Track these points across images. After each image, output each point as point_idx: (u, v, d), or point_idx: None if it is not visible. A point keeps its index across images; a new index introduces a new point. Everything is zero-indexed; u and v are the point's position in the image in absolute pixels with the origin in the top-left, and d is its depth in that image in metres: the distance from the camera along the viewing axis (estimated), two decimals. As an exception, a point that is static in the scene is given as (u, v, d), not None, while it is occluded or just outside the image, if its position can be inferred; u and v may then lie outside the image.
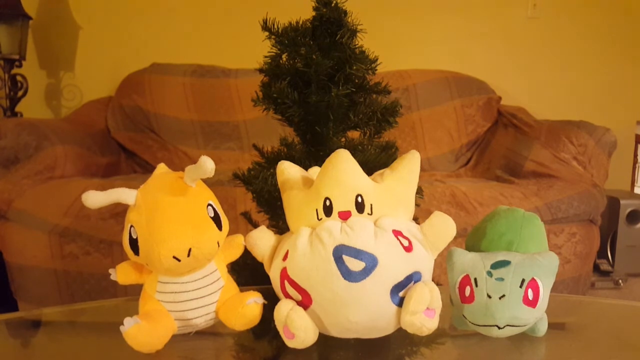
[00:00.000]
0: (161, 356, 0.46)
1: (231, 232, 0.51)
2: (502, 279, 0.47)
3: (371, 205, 0.46)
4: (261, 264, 0.51)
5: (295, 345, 0.45)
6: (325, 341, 0.47)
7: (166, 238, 0.43)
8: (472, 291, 0.47)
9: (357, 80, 0.74)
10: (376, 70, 0.74)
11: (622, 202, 1.80)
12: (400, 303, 0.45)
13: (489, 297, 0.46)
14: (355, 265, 0.43)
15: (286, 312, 0.45)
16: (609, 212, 1.80)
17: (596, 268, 1.79)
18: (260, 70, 0.76)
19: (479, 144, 2.01)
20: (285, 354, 0.50)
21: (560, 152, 1.59)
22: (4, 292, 1.43)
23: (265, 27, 0.73)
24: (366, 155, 0.73)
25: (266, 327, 0.49)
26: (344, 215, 0.46)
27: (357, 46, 0.73)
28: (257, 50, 0.79)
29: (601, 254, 1.81)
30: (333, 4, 0.72)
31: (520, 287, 0.46)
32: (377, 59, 0.74)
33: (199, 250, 0.45)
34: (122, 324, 0.43)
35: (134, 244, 0.44)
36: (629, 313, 0.67)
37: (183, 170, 0.46)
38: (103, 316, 0.65)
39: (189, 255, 0.44)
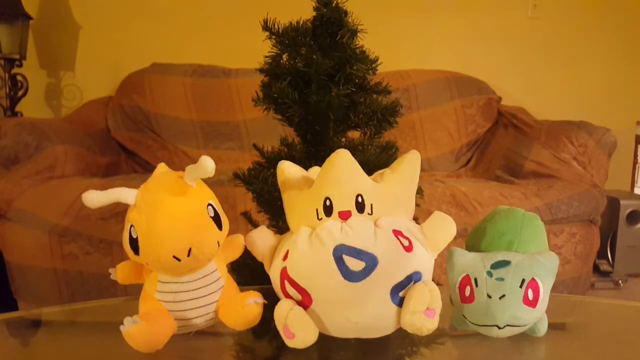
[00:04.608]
0: (161, 356, 0.46)
1: (231, 232, 0.51)
2: (502, 279, 0.47)
3: (371, 205, 0.46)
4: (261, 264, 0.51)
5: (295, 345, 0.45)
6: (325, 341, 0.47)
7: (166, 238, 0.43)
8: (472, 291, 0.47)
9: (357, 80, 0.74)
10: (376, 70, 0.74)
11: (622, 202, 1.80)
12: (400, 303, 0.45)
13: (489, 297, 0.46)
14: (355, 265, 0.43)
15: (286, 312, 0.45)
16: (609, 212, 1.80)
17: (596, 268, 1.79)
18: (261, 70, 0.76)
19: (479, 144, 2.01)
20: (285, 354, 0.50)
21: (560, 153, 1.59)
22: (4, 292, 1.43)
23: (265, 27, 0.73)
24: (366, 155, 0.73)
25: (266, 327, 0.49)
26: (344, 215, 0.46)
27: (357, 46, 0.73)
28: (258, 50, 0.79)
29: (601, 254, 1.81)
30: (333, 4, 0.72)
31: (520, 287, 0.46)
32: (377, 59, 0.74)
33: (199, 250, 0.45)
34: (122, 323, 0.43)
35: (134, 243, 0.44)
36: (629, 313, 0.67)
37: (183, 170, 0.46)
38: (103, 316, 0.65)
39: (189, 255, 0.44)
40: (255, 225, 0.85)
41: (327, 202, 0.46)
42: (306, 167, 0.53)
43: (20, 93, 1.96)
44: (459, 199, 1.40)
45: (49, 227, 1.33)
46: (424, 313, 0.44)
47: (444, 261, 0.51)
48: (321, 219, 0.47)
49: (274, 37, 0.73)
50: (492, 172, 1.79)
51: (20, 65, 1.96)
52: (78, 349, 0.55)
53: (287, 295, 0.47)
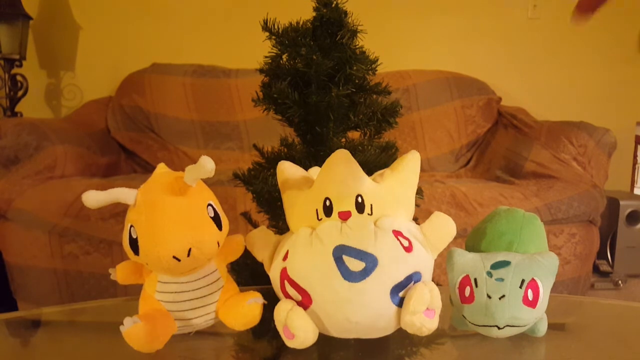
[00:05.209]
0: (161, 356, 0.46)
1: (231, 232, 0.51)
2: (502, 280, 0.47)
3: (371, 205, 0.46)
4: (261, 264, 0.51)
5: (295, 345, 0.45)
6: (325, 341, 0.47)
7: (166, 238, 0.43)
8: (472, 291, 0.47)
9: (357, 81, 0.74)
10: (376, 70, 0.74)
11: (621, 202, 1.80)
12: (400, 303, 0.45)
13: (489, 297, 0.46)
14: (355, 265, 0.43)
15: (286, 312, 0.45)
16: (609, 212, 1.80)
17: (596, 269, 1.79)
18: (261, 71, 0.76)
19: (479, 145, 2.01)
20: (285, 354, 0.50)
21: (560, 153, 1.59)
22: (4, 292, 1.43)
23: (265, 27, 0.73)
24: (366, 155, 0.73)
25: (266, 327, 0.49)
26: (344, 216, 0.46)
27: (357, 46, 0.73)
28: (258, 51, 0.79)
29: (601, 254, 1.82)
30: (333, 5, 0.72)
31: (520, 287, 0.46)
32: (377, 60, 0.74)
33: (199, 250, 0.45)
34: (122, 323, 0.43)
35: (134, 243, 0.44)
36: (629, 314, 0.67)
37: (183, 170, 0.46)
38: (103, 316, 0.65)
39: (189, 255, 0.44)
40: (255, 225, 0.85)
41: (327, 203, 0.46)
42: (306, 168, 0.53)
43: (20, 93, 1.97)
44: (459, 199, 1.40)
45: (49, 227, 1.33)
46: (423, 313, 0.44)
47: (443, 261, 0.51)
48: (321, 219, 0.47)
49: (274, 37, 0.73)
50: (492, 173, 1.79)
51: (20, 65, 1.96)
52: (78, 349, 0.55)
53: (287, 296, 0.47)
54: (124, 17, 2.16)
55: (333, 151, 0.47)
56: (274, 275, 0.48)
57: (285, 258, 0.47)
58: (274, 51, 0.74)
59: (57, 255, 1.36)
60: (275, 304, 0.46)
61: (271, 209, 0.78)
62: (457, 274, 0.49)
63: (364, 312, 0.44)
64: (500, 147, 1.87)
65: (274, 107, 0.74)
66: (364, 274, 0.43)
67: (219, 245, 0.47)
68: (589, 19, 0.39)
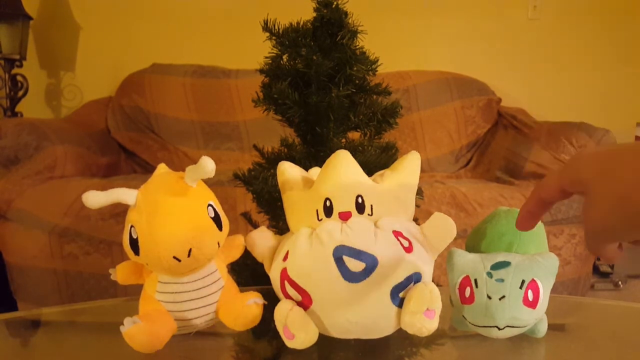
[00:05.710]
0: (161, 356, 0.46)
1: (231, 233, 0.51)
2: (502, 280, 0.47)
3: (371, 205, 0.46)
4: (261, 264, 0.51)
5: (295, 345, 0.45)
6: (325, 342, 0.47)
7: (166, 238, 0.43)
8: (472, 292, 0.47)
9: (357, 81, 0.74)
10: (376, 71, 0.74)
11: (621, 203, 1.80)
12: (400, 304, 0.45)
13: (489, 298, 0.46)
14: (355, 265, 0.43)
15: (286, 312, 0.45)
16: (609, 213, 1.80)
17: (596, 269, 1.79)
18: (261, 71, 0.76)
19: (479, 145, 2.01)
20: (285, 354, 0.50)
21: (560, 154, 1.59)
22: (4, 292, 1.43)
23: (265, 27, 0.73)
24: (366, 156, 0.73)
25: (266, 327, 0.49)
26: (344, 216, 0.46)
27: (357, 47, 0.74)
28: (258, 51, 0.79)
29: (601, 255, 1.81)
30: (334, 5, 0.72)
31: (520, 288, 0.46)
32: (377, 60, 0.74)
33: (199, 250, 0.45)
34: (122, 324, 0.43)
35: (134, 244, 0.44)
36: (629, 314, 0.67)
37: (183, 170, 0.46)
38: (103, 316, 0.65)
39: (189, 255, 0.44)
40: (255, 225, 0.85)
41: (327, 203, 0.46)
42: (306, 168, 0.53)
43: (20, 93, 1.97)
44: (459, 199, 1.40)
45: (49, 227, 1.33)
46: (423, 314, 0.44)
47: (444, 262, 0.51)
48: (321, 219, 0.47)
49: (274, 37, 0.73)
50: (492, 173, 1.79)
51: (21, 66, 1.97)
52: (78, 349, 0.55)
53: (287, 296, 0.47)
54: (124, 17, 2.16)
55: (333, 152, 0.47)
56: (274, 275, 0.48)
57: (285, 258, 0.47)
58: (274, 51, 0.74)
59: (57, 256, 1.36)
60: (275, 304, 0.46)
61: (271, 209, 0.78)
62: (457, 274, 0.49)
63: (364, 312, 0.44)
64: (500, 147, 1.87)
65: (274, 108, 0.74)
66: (364, 274, 0.43)
67: (219, 246, 0.47)
68: (533, 226, 0.42)
